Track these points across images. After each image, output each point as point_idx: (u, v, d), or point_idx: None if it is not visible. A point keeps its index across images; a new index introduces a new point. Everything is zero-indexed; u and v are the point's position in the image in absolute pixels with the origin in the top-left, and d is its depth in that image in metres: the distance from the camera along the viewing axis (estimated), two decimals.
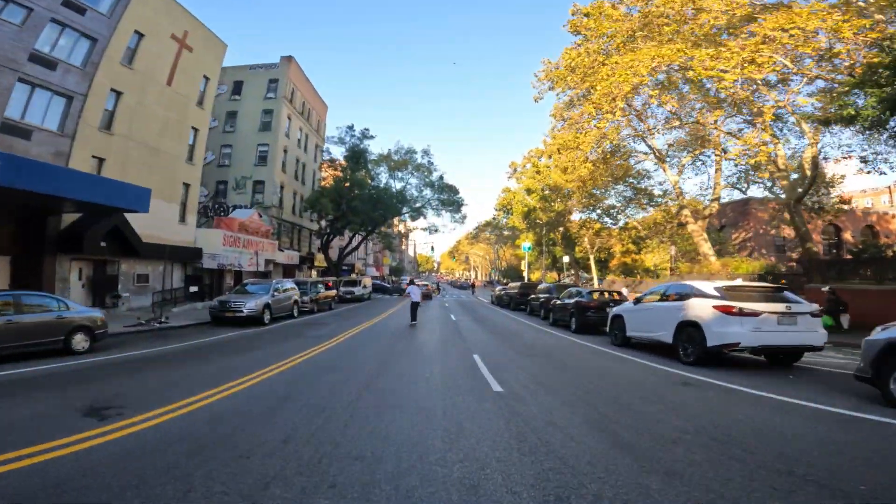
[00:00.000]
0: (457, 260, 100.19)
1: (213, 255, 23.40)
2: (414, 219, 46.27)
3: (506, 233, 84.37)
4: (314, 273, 46.97)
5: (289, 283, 19.73)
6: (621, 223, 41.71)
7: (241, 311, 15.79)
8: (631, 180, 33.08)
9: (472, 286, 52.90)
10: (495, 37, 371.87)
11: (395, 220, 52.38)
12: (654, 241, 43.50)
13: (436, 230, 44.60)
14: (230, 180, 35.61)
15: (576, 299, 15.43)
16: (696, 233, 25.22)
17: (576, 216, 44.65)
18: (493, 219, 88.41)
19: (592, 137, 22.92)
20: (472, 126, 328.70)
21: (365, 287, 37.23)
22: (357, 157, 39.66)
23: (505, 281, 72.51)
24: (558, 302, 17.14)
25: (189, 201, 23.67)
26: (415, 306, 17.86)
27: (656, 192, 34.35)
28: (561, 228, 44.50)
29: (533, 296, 22.57)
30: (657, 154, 27.89)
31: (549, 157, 43.70)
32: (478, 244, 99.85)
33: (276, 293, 17.50)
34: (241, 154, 36.00)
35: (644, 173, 32.97)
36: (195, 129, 24.50)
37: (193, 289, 21.05)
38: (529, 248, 44.41)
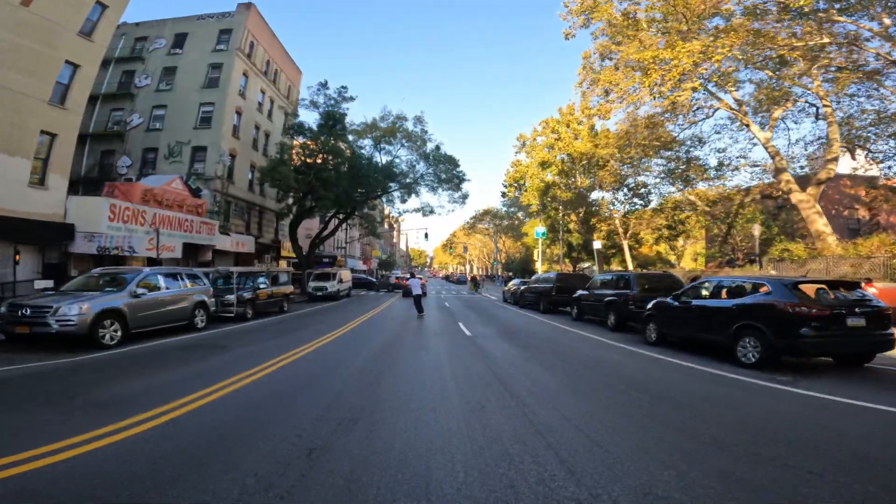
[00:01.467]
0: (454, 251, 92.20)
1: (91, 235, 15.31)
2: (404, 201, 38.23)
3: (506, 222, 76.88)
4: (284, 265, 38.93)
5: (183, 275, 11.69)
6: (653, 203, 34.25)
7: (47, 325, 7.86)
8: (681, 148, 25.64)
9: (474, 281, 44.99)
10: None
11: (384, 205, 43.94)
12: (692, 224, 36.13)
13: (430, 211, 36.44)
14: (162, 147, 27.44)
15: (766, 299, 7.42)
16: (806, 204, 17.59)
17: (596, 195, 36.98)
18: (497, 207, 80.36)
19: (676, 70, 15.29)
20: (470, 102, 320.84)
21: (342, 282, 29.27)
22: (332, 122, 31.51)
23: (508, 274, 64.79)
24: (693, 303, 9.12)
25: (56, 158, 15.54)
26: (418, 298, 18.29)
27: (712, 161, 26.86)
28: (581, 210, 36.73)
29: (584, 293, 14.78)
30: (738, 106, 20.23)
31: (567, 125, 35.98)
32: (474, 235, 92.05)
33: (139, 290, 9.50)
34: (177, 116, 27.87)
35: (696, 140, 25.37)
36: (74, 66, 16.37)
37: (44, 283, 13.02)
38: (544, 235, 36.69)
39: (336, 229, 34.68)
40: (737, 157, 25.14)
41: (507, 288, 26.46)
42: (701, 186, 28.26)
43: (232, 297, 14.20)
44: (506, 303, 25.80)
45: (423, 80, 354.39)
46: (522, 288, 21.96)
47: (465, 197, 37.08)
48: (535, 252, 37.65)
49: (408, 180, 34.32)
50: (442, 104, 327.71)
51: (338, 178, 31.28)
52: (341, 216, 34.72)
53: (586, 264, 44.56)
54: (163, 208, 19.04)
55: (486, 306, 22.92)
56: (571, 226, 43.86)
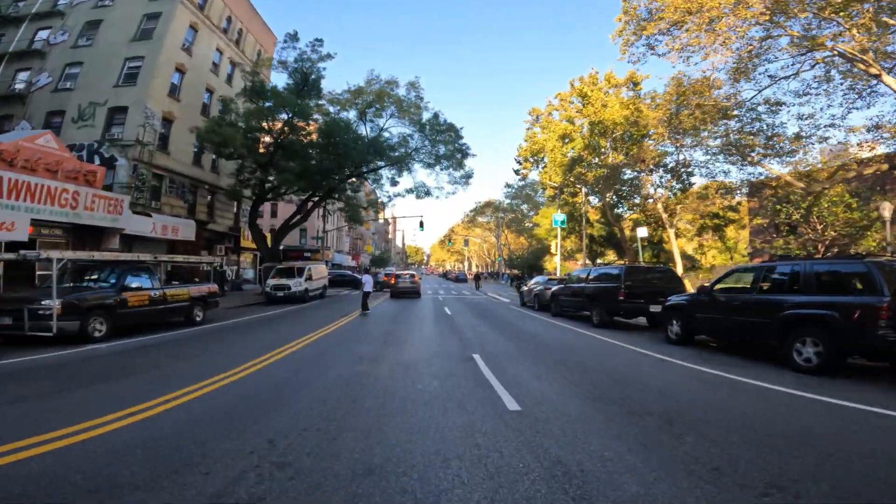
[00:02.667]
0: (453, 245, 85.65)
1: None
2: (395, 183, 31.62)
3: (509, 216, 70.29)
4: (250, 259, 32.37)
5: None
6: (698, 184, 27.91)
7: None
8: (749, 114, 19.47)
9: (477, 279, 38.48)
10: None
11: (371, 188, 37.05)
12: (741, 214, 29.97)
13: (426, 193, 29.75)
14: (71, 110, 21.03)
15: None
16: None
17: (628, 177, 30.50)
18: (500, 199, 73.81)
19: None
20: (470, 91, 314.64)
21: (311, 279, 22.73)
22: (304, 83, 24.91)
23: (514, 271, 58.20)
24: None
25: None
26: (365, 296, 16.29)
27: (789, 131, 20.56)
28: (610, 192, 30.22)
29: (703, 297, 8.34)
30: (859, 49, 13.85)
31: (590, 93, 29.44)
32: (474, 230, 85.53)
33: None
34: (96, 73, 21.59)
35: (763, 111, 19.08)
36: None
37: None
38: (563, 223, 30.23)
39: (307, 215, 28.13)
40: (825, 126, 18.62)
41: (526, 288, 20.02)
42: (773, 164, 21.89)
43: (50, 304, 7.67)
44: (525, 307, 19.39)
45: (418, 59, 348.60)
46: (555, 288, 15.48)
47: (467, 177, 30.51)
48: (553, 244, 31.17)
49: (398, 153, 27.68)
50: (442, 92, 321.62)
51: (307, 147, 24.73)
52: (316, 198, 28.15)
53: (600, 260, 38.13)
54: (16, 171, 12.44)
55: (504, 315, 16.42)
56: (591, 216, 37.50)
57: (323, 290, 25.05)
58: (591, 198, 35.67)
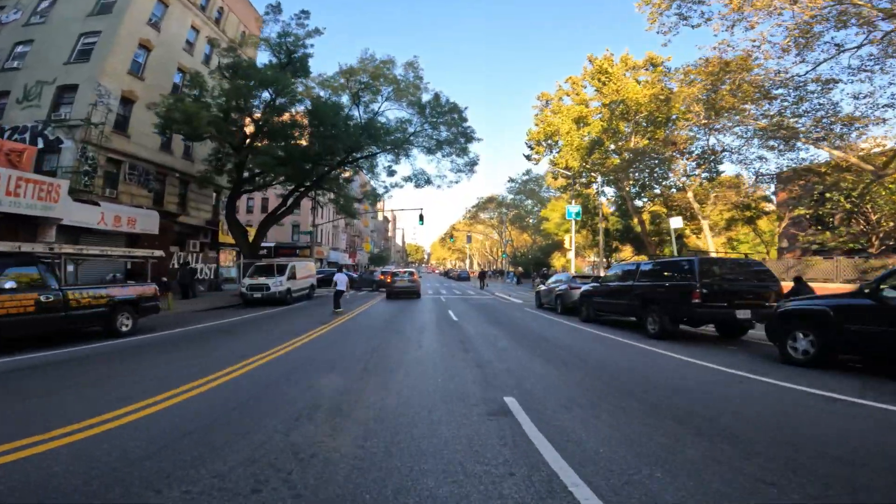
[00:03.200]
0: (455, 241, 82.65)
1: None
2: (392, 173, 28.62)
3: (512, 212, 67.21)
4: (233, 256, 29.44)
5: None
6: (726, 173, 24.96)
7: None
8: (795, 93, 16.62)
9: (482, 277, 35.37)
10: None
11: (365, 178, 33.86)
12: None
13: (427, 181, 26.71)
14: (17, 90, 18.24)
15: None
16: None
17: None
18: (504, 195, 70.40)
19: None
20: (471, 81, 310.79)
21: (293, 278, 19.81)
22: (287, 59, 21.95)
23: (519, 269, 55.08)
24: None
25: None
26: (338, 295, 15.62)
27: (842, 111, 17.64)
28: (629, 182, 27.24)
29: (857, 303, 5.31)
30: None
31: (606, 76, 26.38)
32: (476, 226, 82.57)
33: None
34: (46, 51, 18.95)
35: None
36: None
37: None
38: (579, 215, 27.25)
39: (292, 206, 25.14)
40: (883, 106, 15.68)
41: (544, 287, 16.99)
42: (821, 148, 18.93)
43: None
44: (542, 309, 16.45)
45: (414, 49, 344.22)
46: (585, 288, 12.51)
47: (472, 164, 27.54)
48: (566, 238, 28.17)
49: (394, 137, 24.65)
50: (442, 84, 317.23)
51: (289, 128, 21.76)
52: (304, 188, 25.16)
53: (611, 256, 35.17)
54: None
55: (523, 321, 13.42)
56: (603, 209, 34.54)
57: (310, 290, 22.10)
58: (605, 189, 32.70)
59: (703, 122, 20.38)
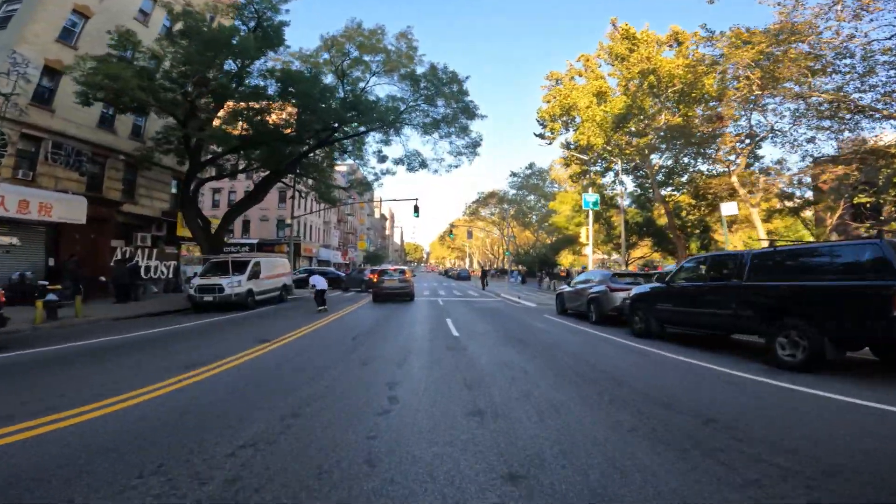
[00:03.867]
0: (455, 237, 78.99)
1: None
2: (382, 159, 24.87)
3: (513, 210, 63.37)
4: (196, 251, 25.80)
5: None
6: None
7: None
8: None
9: (484, 276, 31.47)
10: None
11: (353, 163, 29.79)
12: None
13: (422, 165, 22.91)
14: None
15: None
16: None
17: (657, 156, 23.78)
18: (505, 189, 65.71)
19: None
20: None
21: (256, 277, 16.22)
22: (258, 25, 18.19)
23: (521, 268, 51.31)
24: None
25: None
26: (320, 293, 14.61)
27: None
28: (658, 163, 23.59)
29: None
30: None
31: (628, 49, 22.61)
32: (476, 222, 78.97)
33: None
34: None
35: None
36: None
37: None
38: (596, 205, 23.59)
39: (259, 193, 21.41)
40: None
41: (569, 289, 13.21)
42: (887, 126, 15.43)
43: None
44: (564, 315, 12.84)
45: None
46: (641, 291, 8.86)
47: (474, 145, 23.88)
48: (582, 231, 24.53)
49: (384, 110, 20.90)
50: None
51: (254, 97, 18.07)
52: (276, 173, 21.46)
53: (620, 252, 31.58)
54: None
55: (558, 338, 9.67)
56: (615, 199, 30.92)
57: (282, 292, 18.44)
58: (623, 177, 29.05)
59: (758, 92, 16.74)
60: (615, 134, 21.07)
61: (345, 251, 63.64)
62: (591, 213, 24.43)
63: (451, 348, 7.46)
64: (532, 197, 65.37)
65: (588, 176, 28.43)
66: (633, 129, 22.59)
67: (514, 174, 65.46)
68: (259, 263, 16.86)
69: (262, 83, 18.76)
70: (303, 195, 24.24)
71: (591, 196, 24.32)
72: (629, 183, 30.05)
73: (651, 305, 8.44)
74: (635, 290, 9.26)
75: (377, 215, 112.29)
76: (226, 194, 43.09)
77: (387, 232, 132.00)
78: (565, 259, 47.22)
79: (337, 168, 27.87)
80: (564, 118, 23.65)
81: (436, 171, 24.26)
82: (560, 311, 13.59)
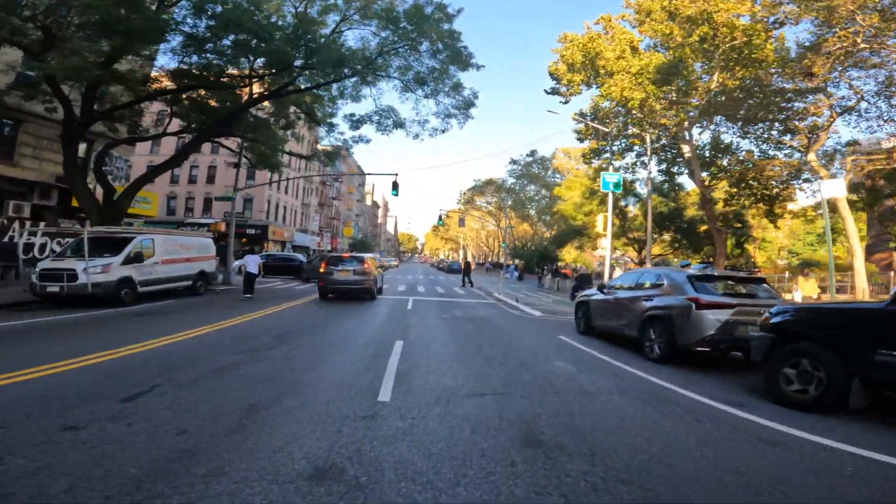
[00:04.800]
0: (447, 226, 74.14)
1: None
2: (356, 126, 19.49)
3: (510, 201, 58.11)
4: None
5: None
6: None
7: None
8: None
9: (466, 271, 25.98)
10: None
11: (313, 125, 24.02)
12: None
13: (398, 124, 17.86)
14: None
15: None
16: None
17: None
18: (503, 178, 58.83)
19: None
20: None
21: (139, 262, 11.19)
22: None
23: (518, 262, 46.27)
24: None
25: None
26: (250, 278, 13.15)
27: None
28: (693, 145, 18.65)
29: None
30: None
31: None
32: (470, 213, 74.01)
33: None
34: None
35: None
36: None
37: None
38: (618, 186, 18.85)
39: (179, 157, 16.27)
40: None
41: (600, 297, 8.17)
42: None
43: None
44: (595, 337, 8.03)
45: None
46: (799, 311, 4.00)
47: (468, 105, 18.76)
48: (599, 219, 19.57)
49: (341, 52, 15.58)
50: None
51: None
52: (198, 131, 16.29)
53: (643, 251, 26.75)
54: None
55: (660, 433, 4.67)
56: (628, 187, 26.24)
57: (196, 281, 13.49)
58: (642, 159, 24.09)
59: (864, 46, 11.81)
60: (660, 90, 15.89)
61: (332, 238, 58.45)
62: (610, 196, 19.51)
63: (325, 478, 2.56)
64: (532, 187, 60.42)
65: (606, 155, 23.49)
66: (674, 94, 17.54)
67: (514, 161, 60.41)
68: (150, 242, 11.86)
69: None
70: (253, 162, 19.09)
71: (613, 175, 19.38)
72: (651, 166, 25.14)
73: (853, 338, 3.63)
74: (778, 312, 4.38)
75: (368, 202, 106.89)
76: (187, 169, 37.86)
77: (379, 220, 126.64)
78: (568, 254, 42.35)
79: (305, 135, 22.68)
80: (586, 72, 18.29)
81: (417, 135, 18.77)
82: (584, 330, 8.70)
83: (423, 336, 7.69)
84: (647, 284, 7.06)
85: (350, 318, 9.87)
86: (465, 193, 66.86)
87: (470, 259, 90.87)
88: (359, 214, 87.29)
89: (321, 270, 13.61)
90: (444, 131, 19.61)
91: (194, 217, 36.93)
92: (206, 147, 37.20)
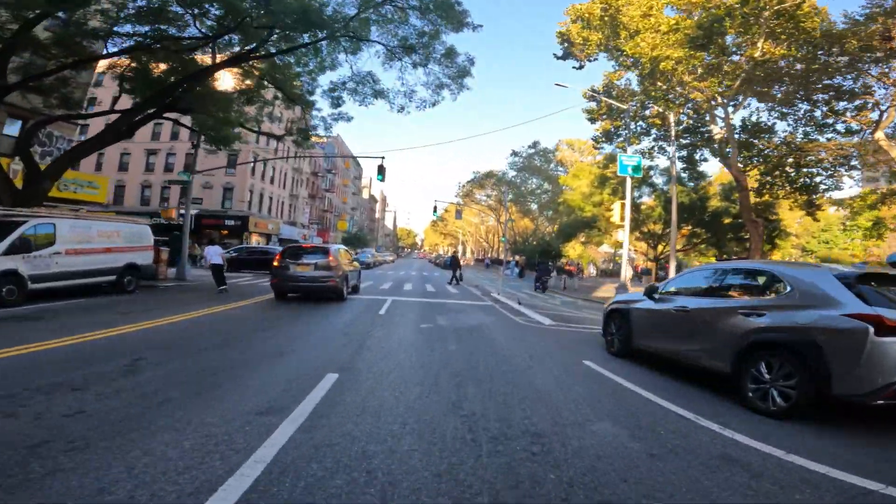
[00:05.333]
0: (444, 220, 71.65)
1: None
2: (336, 103, 16.65)
3: (510, 195, 55.15)
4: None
5: None
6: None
7: None
8: None
9: (455, 264, 22.70)
10: None
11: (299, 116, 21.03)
12: None
13: (378, 94, 15.21)
14: None
15: None
16: None
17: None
18: (503, 170, 56.05)
19: None
20: None
21: (27, 251, 8.60)
22: None
23: (518, 258, 43.46)
24: None
25: None
26: (218, 269, 12.03)
27: None
28: (727, 117, 15.88)
29: None
30: None
31: None
32: (469, 207, 71.35)
33: None
34: None
35: None
36: None
37: None
38: (638, 170, 16.20)
39: (119, 127, 13.42)
40: None
41: (653, 305, 5.51)
42: None
43: None
44: (631, 362, 5.30)
45: None
46: None
47: (463, 73, 15.92)
48: (615, 209, 16.79)
49: (309, 5, 12.70)
50: None
51: None
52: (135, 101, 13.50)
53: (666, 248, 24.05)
54: None
55: None
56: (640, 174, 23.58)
57: (122, 276, 10.82)
58: (662, 144, 21.33)
59: None
60: (697, 53, 13.00)
61: (326, 230, 55.66)
62: (629, 181, 16.81)
63: None
64: (534, 181, 57.63)
65: (620, 139, 20.76)
66: (713, 58, 14.71)
67: (515, 153, 57.63)
68: (50, 228, 9.16)
69: None
70: (212, 140, 16.20)
71: (632, 158, 16.71)
72: (672, 151, 22.29)
73: None
74: None
75: (365, 195, 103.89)
76: (163, 156, 35.05)
77: (377, 215, 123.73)
78: (573, 250, 39.56)
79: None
80: (604, 32, 15.28)
81: (402, 108, 15.78)
82: (620, 350, 6.00)
83: (376, 364, 4.98)
84: (743, 289, 4.33)
85: (292, 326, 7.19)
86: (463, 186, 64.11)
87: (469, 255, 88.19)
88: (354, 208, 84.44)
89: (275, 264, 10.89)
90: (434, 104, 16.75)
91: (150, 207, 34.18)
92: (166, 133, 34.34)
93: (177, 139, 33.66)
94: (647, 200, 27.00)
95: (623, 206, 16.94)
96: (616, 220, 16.44)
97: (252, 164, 35.55)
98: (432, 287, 17.95)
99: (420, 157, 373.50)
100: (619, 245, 52.78)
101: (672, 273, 16.52)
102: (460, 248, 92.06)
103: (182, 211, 18.07)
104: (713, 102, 16.51)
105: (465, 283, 21.31)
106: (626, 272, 16.50)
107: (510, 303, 13.16)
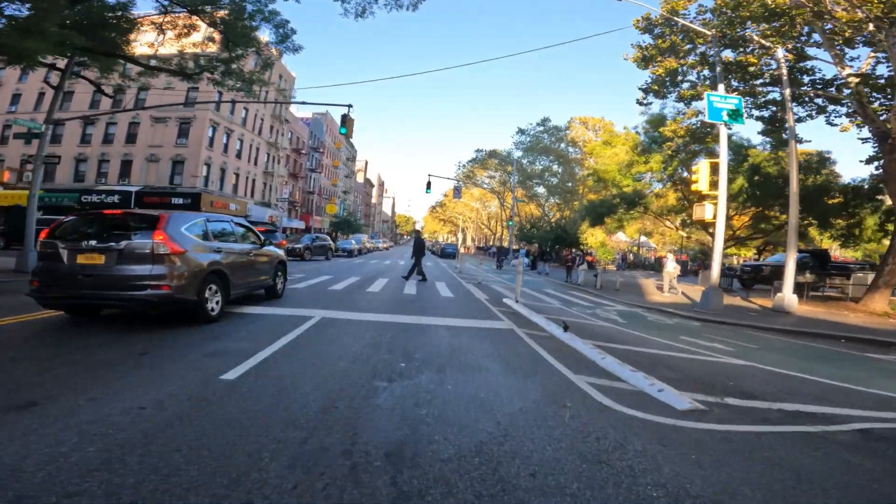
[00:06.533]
0: (444, 205, 65.75)
1: None
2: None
3: (516, 178, 48.71)
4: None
5: None
6: None
7: None
8: None
9: (418, 250, 15.91)
10: None
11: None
12: None
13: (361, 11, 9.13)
14: None
15: None
16: None
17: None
18: (508, 149, 49.39)
19: None
20: None
21: None
22: None
23: (522, 247, 37.34)
24: None
25: None
26: None
27: None
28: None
29: None
30: None
31: None
32: (470, 190, 65.25)
33: None
34: None
35: None
36: None
37: None
38: (737, 117, 10.09)
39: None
40: None
41: None
42: None
43: None
44: None
45: None
46: None
47: None
48: (702, 174, 10.69)
49: None
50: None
51: None
52: None
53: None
54: None
55: None
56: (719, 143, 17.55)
57: None
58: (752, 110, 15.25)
59: None
60: None
61: (309, 215, 49.63)
62: (723, 133, 10.81)
63: None
64: (541, 163, 51.43)
65: (685, 85, 14.76)
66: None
67: (521, 131, 51.42)
68: None
69: None
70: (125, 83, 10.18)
71: (727, 99, 10.74)
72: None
73: None
74: None
75: (360, 179, 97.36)
76: (102, 126, 28.90)
77: (373, 200, 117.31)
78: (592, 237, 33.55)
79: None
80: None
81: (362, 11, 9.25)
82: None
83: None
84: None
85: None
86: (464, 166, 57.93)
87: (470, 243, 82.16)
88: (346, 191, 78.13)
89: (38, 248, 4.94)
90: (414, 6, 10.71)
91: (108, 183, 28.20)
92: (128, 102, 28.19)
93: (120, 109, 27.10)
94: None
95: (711, 166, 10.90)
96: (702, 187, 10.46)
97: (210, 136, 29.58)
98: (413, 288, 11.93)
99: (420, 135, 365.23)
100: (644, 233, 46.02)
101: (790, 267, 10.55)
102: (460, 235, 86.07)
103: (29, 172, 12.04)
104: (872, 26, 10.35)
105: (465, 280, 15.37)
106: (717, 266, 10.58)
107: (542, 323, 7.22)
